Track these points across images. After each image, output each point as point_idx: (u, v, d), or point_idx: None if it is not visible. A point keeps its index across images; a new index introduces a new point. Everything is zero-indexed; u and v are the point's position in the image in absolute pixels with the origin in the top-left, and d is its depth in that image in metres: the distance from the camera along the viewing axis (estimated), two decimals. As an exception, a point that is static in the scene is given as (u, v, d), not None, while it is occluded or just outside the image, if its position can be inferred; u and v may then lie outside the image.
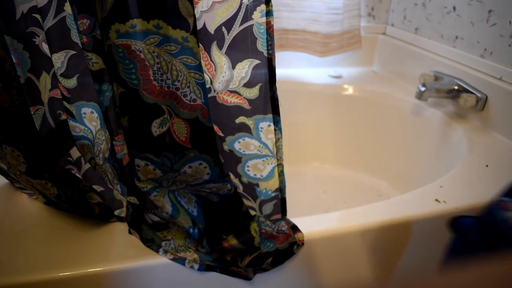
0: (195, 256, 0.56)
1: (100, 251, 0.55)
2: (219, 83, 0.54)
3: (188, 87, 0.47)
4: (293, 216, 0.63)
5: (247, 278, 0.57)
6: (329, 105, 1.20)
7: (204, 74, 0.49)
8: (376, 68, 1.29)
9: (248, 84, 0.54)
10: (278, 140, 0.57)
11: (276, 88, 0.54)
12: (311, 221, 0.61)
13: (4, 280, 0.50)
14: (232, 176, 0.59)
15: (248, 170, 0.59)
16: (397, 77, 1.21)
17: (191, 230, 0.55)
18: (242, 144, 0.57)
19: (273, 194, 0.60)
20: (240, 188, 0.60)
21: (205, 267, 0.56)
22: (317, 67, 1.27)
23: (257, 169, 0.59)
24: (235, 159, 0.58)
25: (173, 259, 0.55)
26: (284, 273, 0.60)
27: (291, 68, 1.26)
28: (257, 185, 0.59)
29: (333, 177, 1.20)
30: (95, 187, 0.61)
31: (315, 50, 1.18)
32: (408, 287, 0.16)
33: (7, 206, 0.64)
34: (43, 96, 0.59)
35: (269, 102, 0.55)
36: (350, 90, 1.18)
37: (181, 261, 0.55)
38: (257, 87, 0.54)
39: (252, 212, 0.59)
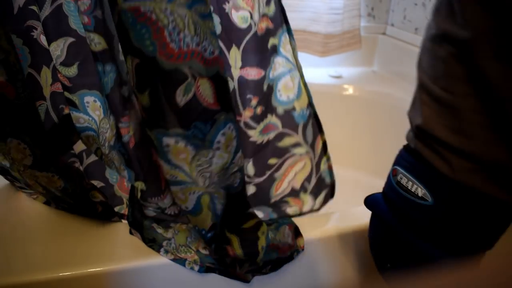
0: (196, 257, 0.56)
1: (101, 251, 0.55)
2: (256, 12, 0.52)
3: (206, 39, 0.43)
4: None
5: (245, 280, 0.57)
6: (329, 105, 1.20)
7: (243, 10, 0.48)
8: (376, 68, 1.29)
9: (268, 0, 0.54)
10: (294, 49, 0.56)
11: None
12: (311, 221, 0.61)
13: (4, 280, 0.50)
14: (269, 118, 0.57)
15: (281, 95, 0.57)
16: (397, 77, 1.21)
17: (203, 232, 0.53)
18: (273, 68, 0.55)
19: (308, 112, 0.59)
20: (279, 127, 0.58)
21: (205, 269, 0.56)
22: (317, 67, 1.27)
23: (288, 89, 0.56)
24: (270, 89, 0.56)
25: (173, 260, 0.55)
26: (284, 274, 0.60)
27: (291, 68, 1.26)
28: (293, 108, 0.58)
29: (333, 177, 1.20)
30: (95, 182, 0.60)
31: (315, 50, 1.18)
32: (408, 286, 0.16)
33: (7, 206, 0.64)
34: (45, 91, 0.59)
35: (281, 12, 0.55)
36: (350, 90, 1.18)
37: (182, 262, 0.55)
38: (273, 1, 0.54)
39: (260, 214, 0.58)
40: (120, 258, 0.54)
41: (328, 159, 0.62)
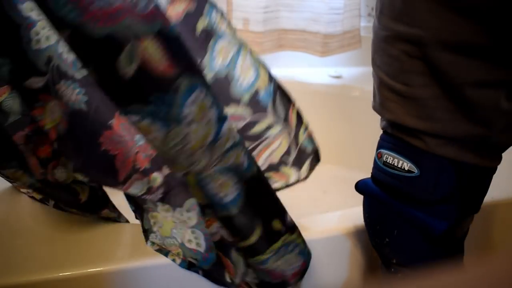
0: (179, 250, 0.53)
1: (101, 251, 0.55)
2: None
3: None
4: (293, 216, 0.63)
5: (229, 287, 0.53)
6: (329, 105, 1.20)
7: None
8: (376, 68, 1.29)
9: None
10: (229, 23, 0.49)
11: None
12: (311, 221, 0.61)
13: (4, 280, 0.49)
14: (233, 108, 0.51)
15: (241, 84, 0.51)
16: (397, 77, 1.20)
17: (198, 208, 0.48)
18: (217, 56, 0.48)
19: (271, 87, 0.54)
20: (246, 117, 0.53)
21: (187, 264, 0.53)
22: (317, 67, 1.27)
23: (246, 71, 0.51)
24: (227, 82, 0.50)
25: (158, 250, 0.53)
26: (284, 273, 0.60)
27: (291, 68, 1.26)
28: (257, 92, 0.53)
29: (333, 177, 1.20)
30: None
31: (315, 50, 1.18)
32: (407, 286, 0.16)
33: (7, 206, 0.64)
34: None
35: None
36: (350, 90, 1.18)
37: (165, 253, 0.54)
38: None
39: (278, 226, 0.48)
40: (120, 258, 0.54)
41: (306, 128, 0.59)
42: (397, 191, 0.47)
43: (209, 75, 0.49)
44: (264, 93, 0.54)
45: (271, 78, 0.55)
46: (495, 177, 0.48)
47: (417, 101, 0.42)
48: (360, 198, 0.55)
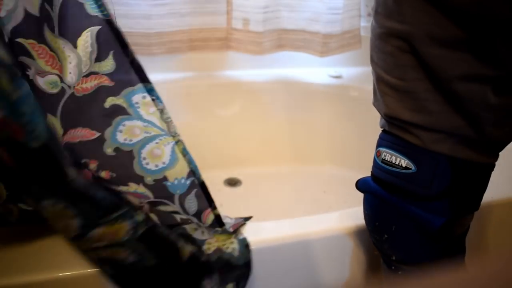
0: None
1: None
2: (70, 73, 0.46)
3: None
4: (293, 216, 0.63)
5: None
6: (329, 105, 1.20)
7: (50, 75, 0.41)
8: (376, 68, 1.29)
9: (100, 57, 0.47)
10: (162, 111, 0.49)
11: (132, 52, 0.47)
12: (311, 221, 0.61)
13: (4, 280, 0.49)
14: (133, 187, 0.48)
15: (147, 163, 0.49)
16: (397, 77, 1.20)
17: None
18: (125, 132, 0.48)
19: (188, 182, 0.51)
20: (151, 196, 0.50)
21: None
22: (317, 67, 1.27)
23: (155, 157, 0.49)
24: (127, 156, 0.48)
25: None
26: (284, 274, 0.60)
27: (291, 68, 1.26)
28: (165, 178, 0.50)
29: (333, 177, 1.20)
30: None
31: (315, 50, 1.18)
32: (407, 285, 0.16)
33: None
34: None
35: (131, 70, 0.47)
36: (350, 90, 1.18)
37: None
38: (110, 56, 0.47)
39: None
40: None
41: (236, 235, 0.54)
42: (395, 188, 0.48)
43: (110, 147, 0.48)
44: (173, 183, 0.51)
45: (193, 173, 0.52)
46: (495, 177, 0.48)
47: (411, 94, 0.44)
48: (360, 197, 0.56)
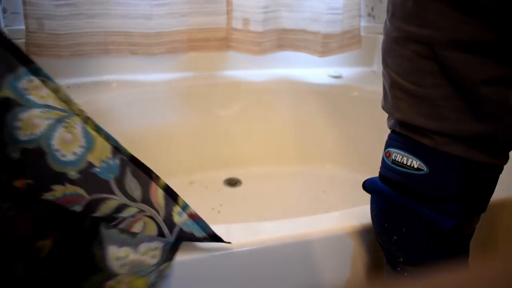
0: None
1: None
2: None
3: None
4: (293, 216, 0.63)
5: None
6: (329, 105, 1.20)
7: None
8: (376, 68, 1.29)
9: None
10: (57, 90, 0.43)
11: (3, 33, 0.41)
12: (311, 221, 0.61)
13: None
14: (60, 190, 0.43)
15: (63, 155, 0.43)
16: (397, 77, 1.20)
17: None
18: (25, 127, 0.41)
19: (117, 161, 0.46)
20: (85, 195, 0.44)
21: None
22: (317, 67, 1.27)
23: (69, 143, 0.43)
24: (37, 154, 0.42)
25: None
26: (285, 274, 0.60)
27: (291, 68, 1.26)
28: (91, 164, 0.44)
29: (333, 177, 1.20)
30: None
31: (315, 50, 1.18)
32: (407, 285, 0.16)
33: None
34: None
35: (7, 54, 0.41)
36: (350, 90, 1.18)
37: None
38: None
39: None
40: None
41: (185, 208, 0.51)
42: (405, 189, 0.47)
43: (15, 151, 0.41)
44: (103, 167, 0.45)
45: (117, 150, 0.47)
46: (501, 177, 0.49)
47: (427, 100, 0.43)
48: (359, 197, 0.56)
